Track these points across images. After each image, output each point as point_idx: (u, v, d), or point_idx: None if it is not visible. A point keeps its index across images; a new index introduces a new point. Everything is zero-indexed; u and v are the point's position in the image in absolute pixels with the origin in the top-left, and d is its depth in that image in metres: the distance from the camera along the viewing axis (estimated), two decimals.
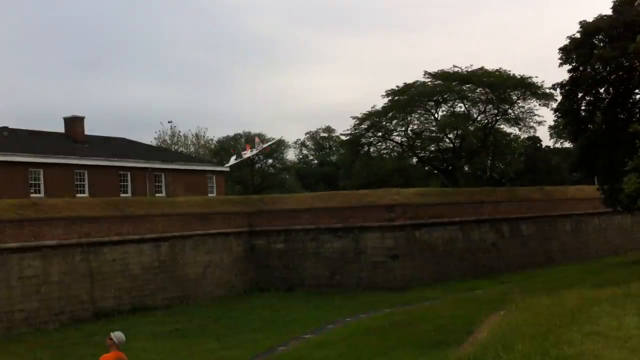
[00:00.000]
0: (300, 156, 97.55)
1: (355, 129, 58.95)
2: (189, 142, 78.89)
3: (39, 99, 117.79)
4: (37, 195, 39.20)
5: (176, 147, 75.08)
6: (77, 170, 42.57)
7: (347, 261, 37.00)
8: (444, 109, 58.76)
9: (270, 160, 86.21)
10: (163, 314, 31.06)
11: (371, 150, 62.49)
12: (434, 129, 59.29)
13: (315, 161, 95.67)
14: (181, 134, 77.74)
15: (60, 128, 48.29)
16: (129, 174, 45.93)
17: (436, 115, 58.79)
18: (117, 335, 11.07)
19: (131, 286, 31.95)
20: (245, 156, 63.37)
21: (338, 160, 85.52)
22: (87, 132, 48.20)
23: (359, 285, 36.29)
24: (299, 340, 22.17)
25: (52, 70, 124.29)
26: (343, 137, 64.87)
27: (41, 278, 28.31)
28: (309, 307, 31.57)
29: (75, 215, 30.56)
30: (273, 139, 78.85)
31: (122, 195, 44.11)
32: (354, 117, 58.19)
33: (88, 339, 24.92)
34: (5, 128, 43.12)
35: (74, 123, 47.31)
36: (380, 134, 59.59)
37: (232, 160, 61.86)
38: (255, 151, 59.82)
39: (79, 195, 40.87)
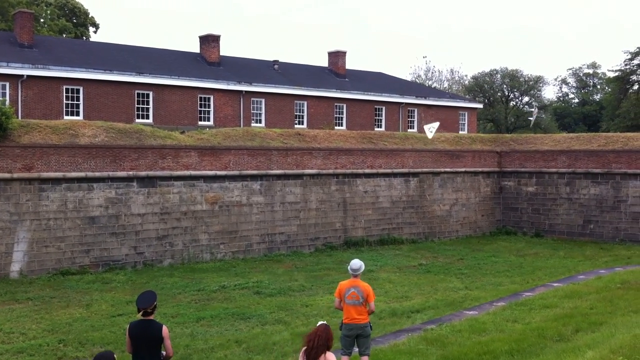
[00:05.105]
0: (560, 94, 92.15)
1: (626, 65, 54.07)
2: (443, 78, 78.54)
3: None
4: (300, 126, 42.13)
5: (430, 83, 75.22)
6: (336, 104, 44.81)
7: (604, 210, 34.70)
8: None
9: (526, 99, 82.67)
10: (408, 248, 32.02)
11: None
12: None
13: (576, 100, 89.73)
14: (435, 69, 77.59)
15: (324, 62, 50.87)
16: (383, 108, 47.22)
17: None
18: (351, 264, 11.67)
19: (379, 219, 33.27)
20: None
21: (602, 100, 79.55)
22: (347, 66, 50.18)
23: (615, 237, 33.98)
24: (547, 287, 21.36)
25: None
26: (610, 74, 59.96)
27: (301, 205, 30.56)
28: (558, 255, 30.33)
29: (333, 147, 32.08)
30: (529, 75, 75.13)
31: (375, 129, 45.62)
32: (625, 52, 53.38)
33: (339, 265, 26.33)
34: (276, 61, 46.49)
35: (336, 57, 49.48)
36: None
37: (534, 116, 54.24)
38: (533, 118, 52.98)
39: (337, 127, 43.10)
